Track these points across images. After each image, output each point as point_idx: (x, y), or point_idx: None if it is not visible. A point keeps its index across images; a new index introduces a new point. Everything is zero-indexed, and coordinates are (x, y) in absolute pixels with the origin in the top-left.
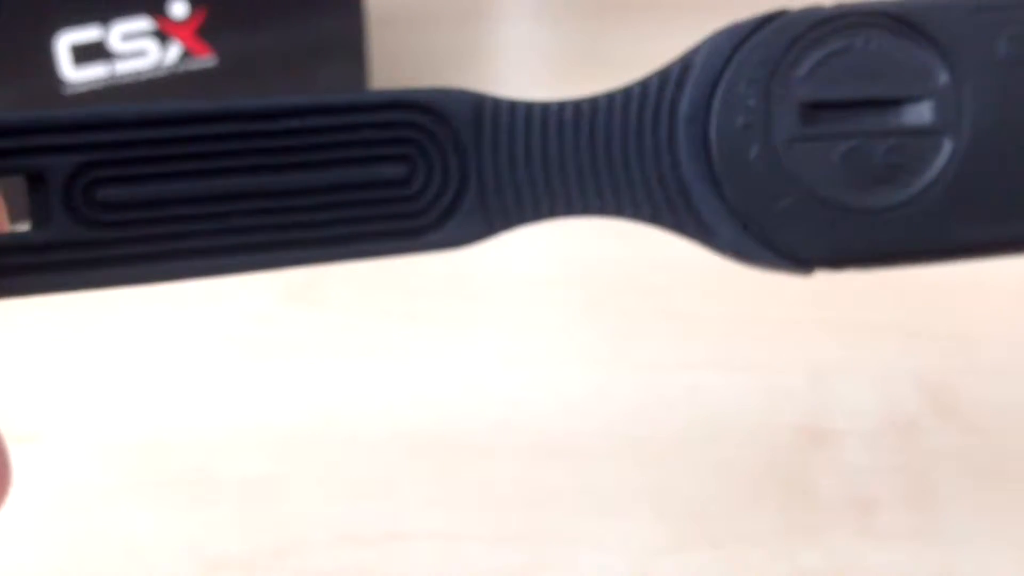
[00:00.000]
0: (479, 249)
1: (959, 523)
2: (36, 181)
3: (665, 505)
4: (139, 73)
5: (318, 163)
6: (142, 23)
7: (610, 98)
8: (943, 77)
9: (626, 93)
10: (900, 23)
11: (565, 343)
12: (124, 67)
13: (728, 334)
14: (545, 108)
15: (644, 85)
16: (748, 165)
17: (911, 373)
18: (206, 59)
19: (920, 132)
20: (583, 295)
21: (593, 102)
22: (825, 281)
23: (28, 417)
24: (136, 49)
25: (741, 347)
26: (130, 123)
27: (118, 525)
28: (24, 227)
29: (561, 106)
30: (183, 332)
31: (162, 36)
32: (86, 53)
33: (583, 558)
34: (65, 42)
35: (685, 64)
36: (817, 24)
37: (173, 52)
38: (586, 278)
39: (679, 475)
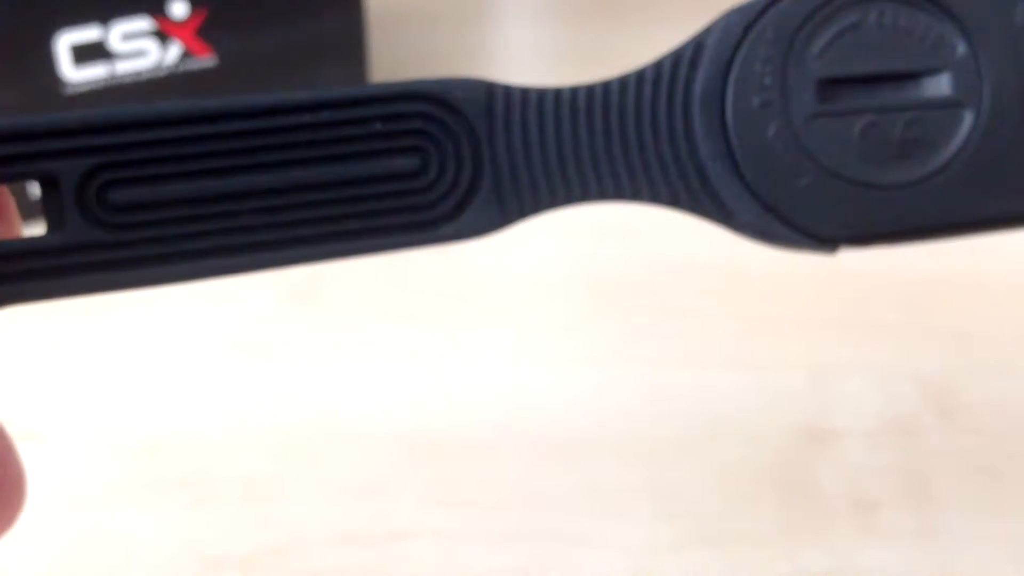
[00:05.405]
0: (480, 249)
1: (959, 523)
2: (49, 185)
3: (665, 505)
4: (139, 73)
5: (331, 158)
6: (142, 23)
7: (623, 82)
8: (960, 48)
9: (639, 76)
10: None
11: (566, 343)
12: (124, 67)
13: (729, 334)
14: (557, 93)
15: (657, 67)
16: (766, 144)
17: (911, 373)
18: (206, 59)
19: (939, 105)
20: (584, 295)
21: (606, 86)
22: (825, 281)
23: (29, 416)
24: (136, 49)
25: (742, 347)
26: (141, 124)
27: (118, 525)
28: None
29: (573, 91)
30: (183, 332)
31: (162, 36)
32: (86, 53)
33: (583, 558)
34: (65, 42)
35: (698, 44)
36: None
37: (173, 52)
38: (587, 278)
39: (680, 475)
